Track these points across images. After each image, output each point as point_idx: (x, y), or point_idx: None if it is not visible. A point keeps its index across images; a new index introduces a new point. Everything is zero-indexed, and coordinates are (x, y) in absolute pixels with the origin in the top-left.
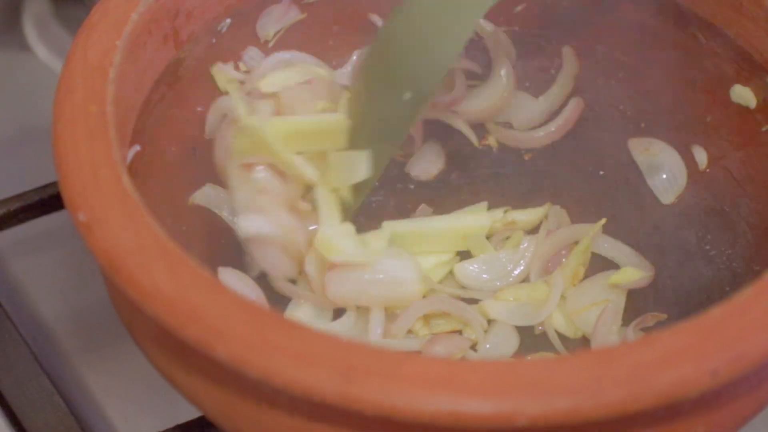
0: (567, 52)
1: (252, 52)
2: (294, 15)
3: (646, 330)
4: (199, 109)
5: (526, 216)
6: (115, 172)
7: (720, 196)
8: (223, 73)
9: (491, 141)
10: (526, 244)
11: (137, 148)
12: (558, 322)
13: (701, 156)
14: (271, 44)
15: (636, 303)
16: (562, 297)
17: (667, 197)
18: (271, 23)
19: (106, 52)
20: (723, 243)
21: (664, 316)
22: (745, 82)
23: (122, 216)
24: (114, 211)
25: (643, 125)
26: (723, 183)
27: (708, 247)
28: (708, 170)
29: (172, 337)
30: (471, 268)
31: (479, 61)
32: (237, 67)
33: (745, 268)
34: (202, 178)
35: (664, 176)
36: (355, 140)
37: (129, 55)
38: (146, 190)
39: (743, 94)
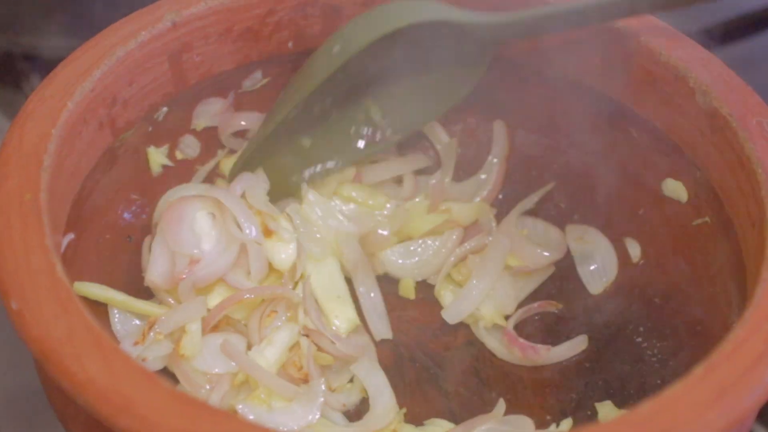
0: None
1: (188, 140)
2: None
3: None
4: (134, 196)
5: (459, 208)
6: (48, 260)
7: (651, 289)
8: (157, 156)
9: None
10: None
11: (71, 236)
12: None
13: (634, 248)
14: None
15: (569, 389)
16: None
17: (595, 287)
18: (206, 117)
19: (41, 140)
20: (654, 336)
21: None
22: (677, 177)
23: (55, 305)
24: (46, 299)
25: (576, 217)
26: (655, 276)
27: (639, 339)
28: (641, 263)
29: (103, 426)
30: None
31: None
32: (173, 155)
33: (677, 362)
34: (136, 266)
35: (593, 267)
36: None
37: (64, 143)
38: (80, 278)
39: (675, 188)
